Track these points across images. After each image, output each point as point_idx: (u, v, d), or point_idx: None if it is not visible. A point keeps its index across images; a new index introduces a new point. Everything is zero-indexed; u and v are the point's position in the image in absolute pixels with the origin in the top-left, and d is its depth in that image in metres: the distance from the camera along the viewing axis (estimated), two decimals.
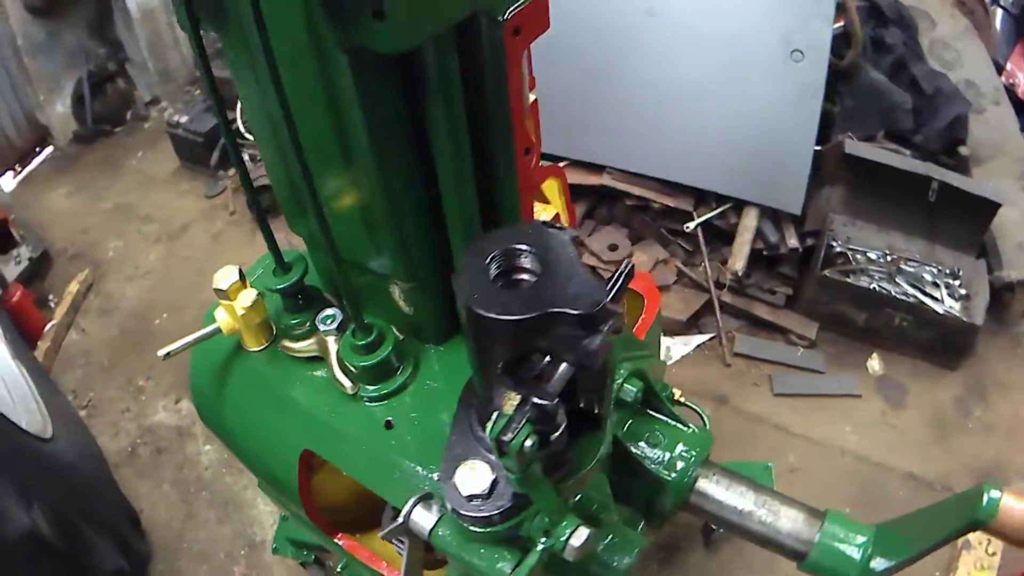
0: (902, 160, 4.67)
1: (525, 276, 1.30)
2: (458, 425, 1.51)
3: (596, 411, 1.39)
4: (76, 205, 6.71)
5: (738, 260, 4.58)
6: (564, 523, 1.34)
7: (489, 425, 1.18)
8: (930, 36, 5.65)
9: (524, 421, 1.20)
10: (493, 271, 1.29)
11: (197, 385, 2.32)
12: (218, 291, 2.02)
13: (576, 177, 4.98)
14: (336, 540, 2.27)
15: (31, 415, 4.14)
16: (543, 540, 1.36)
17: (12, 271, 5.82)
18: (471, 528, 1.39)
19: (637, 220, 5.00)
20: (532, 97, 1.83)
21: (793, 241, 4.59)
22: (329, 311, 2.01)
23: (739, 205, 4.75)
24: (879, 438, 4.41)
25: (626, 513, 2.15)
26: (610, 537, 1.71)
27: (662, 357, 4.54)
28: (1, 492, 2.95)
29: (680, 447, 2.05)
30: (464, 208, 1.67)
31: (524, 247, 1.29)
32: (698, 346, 4.76)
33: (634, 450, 2.02)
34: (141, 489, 4.73)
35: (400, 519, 1.53)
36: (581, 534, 1.33)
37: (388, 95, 1.47)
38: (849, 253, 4.59)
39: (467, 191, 1.65)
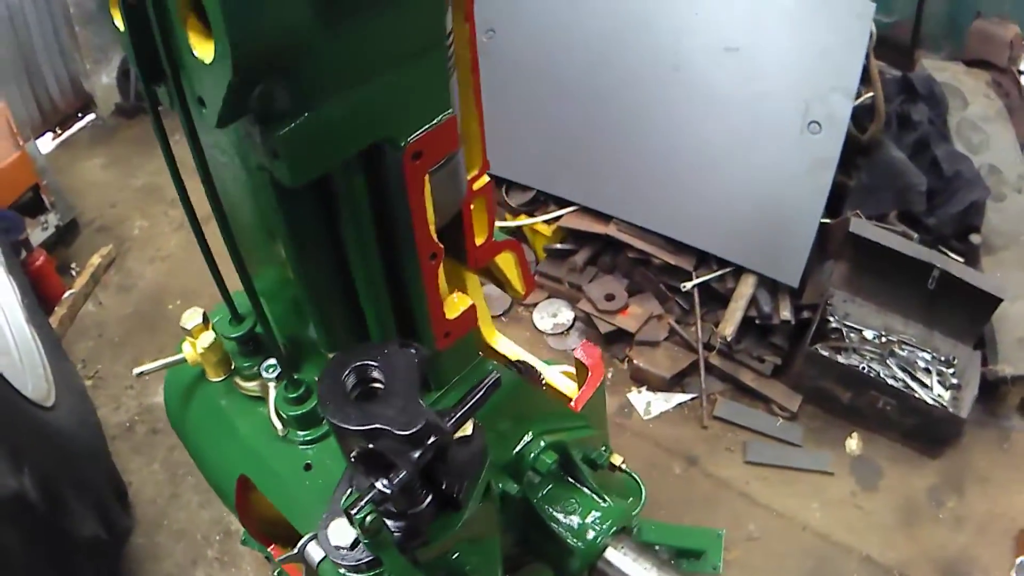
0: (906, 244, 4.76)
1: (377, 386, 1.56)
2: (343, 483, 1.78)
3: (456, 495, 1.63)
4: (109, 177, 7.02)
5: (729, 325, 4.70)
6: None
7: (343, 498, 1.45)
8: (960, 115, 5.70)
9: (366, 501, 1.48)
10: (350, 380, 1.55)
11: (168, 400, 2.66)
12: (183, 329, 2.35)
13: (584, 223, 5.16)
14: (269, 549, 2.59)
15: (37, 381, 4.36)
16: None
17: (38, 236, 6.06)
18: (344, 574, 1.68)
19: (638, 273, 5.14)
20: (485, 180, 2.08)
21: (786, 314, 4.72)
22: (272, 361, 2.31)
23: (739, 270, 4.88)
24: (844, 518, 4.47)
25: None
26: None
27: (641, 411, 4.83)
28: (3, 461, 3.17)
29: (592, 516, 2.28)
30: (376, 301, 1.93)
31: (373, 364, 1.55)
32: (679, 404, 4.91)
33: (545, 515, 2.28)
34: (132, 464, 5.03)
35: (295, 550, 1.82)
36: None
37: (305, 206, 1.72)
38: (844, 330, 4.72)
39: (377, 288, 1.90)
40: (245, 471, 2.34)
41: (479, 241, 2.17)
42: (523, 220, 5.41)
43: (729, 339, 4.72)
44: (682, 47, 5.09)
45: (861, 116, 5.12)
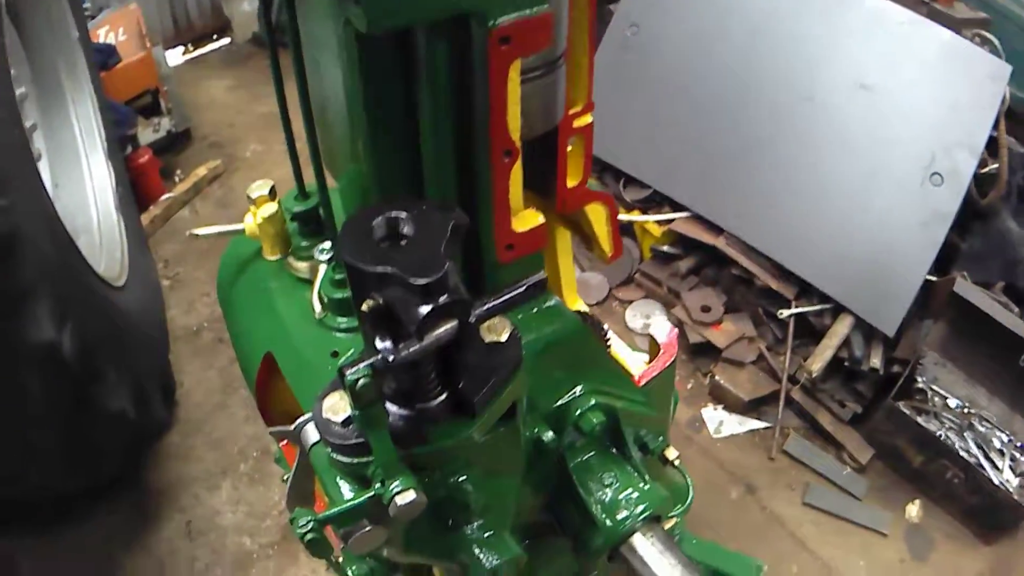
0: (1007, 317, 4.46)
1: (403, 241, 1.36)
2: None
3: (472, 399, 1.39)
4: (232, 100, 6.97)
5: (818, 361, 4.46)
6: (397, 480, 1.36)
7: (343, 357, 1.22)
8: None
9: (365, 364, 1.25)
10: (378, 228, 1.36)
11: (221, 271, 2.60)
12: (249, 198, 2.27)
13: (694, 231, 4.99)
14: (280, 444, 2.48)
15: (111, 262, 4.37)
16: (376, 487, 1.38)
17: (148, 136, 6.07)
18: (330, 452, 1.44)
19: (738, 291, 4.94)
20: (588, 120, 1.86)
21: (876, 361, 4.46)
22: (327, 244, 2.18)
23: (837, 309, 4.65)
24: None
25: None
26: (488, 534, 1.71)
27: (712, 429, 4.61)
28: (41, 303, 3.08)
29: (627, 494, 2.01)
30: (442, 192, 1.70)
31: (403, 215, 1.35)
32: (751, 430, 4.67)
33: (577, 480, 2.00)
34: (189, 366, 4.95)
35: (293, 427, 1.59)
36: (407, 496, 1.35)
37: (384, 69, 1.53)
38: (929, 392, 4.43)
39: (446, 176, 1.68)
40: (272, 349, 2.19)
41: (571, 183, 1.97)
42: (635, 216, 5.28)
43: (815, 376, 4.46)
44: (818, 77, 4.86)
45: (983, 181, 4.82)
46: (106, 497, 4.12)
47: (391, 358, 1.25)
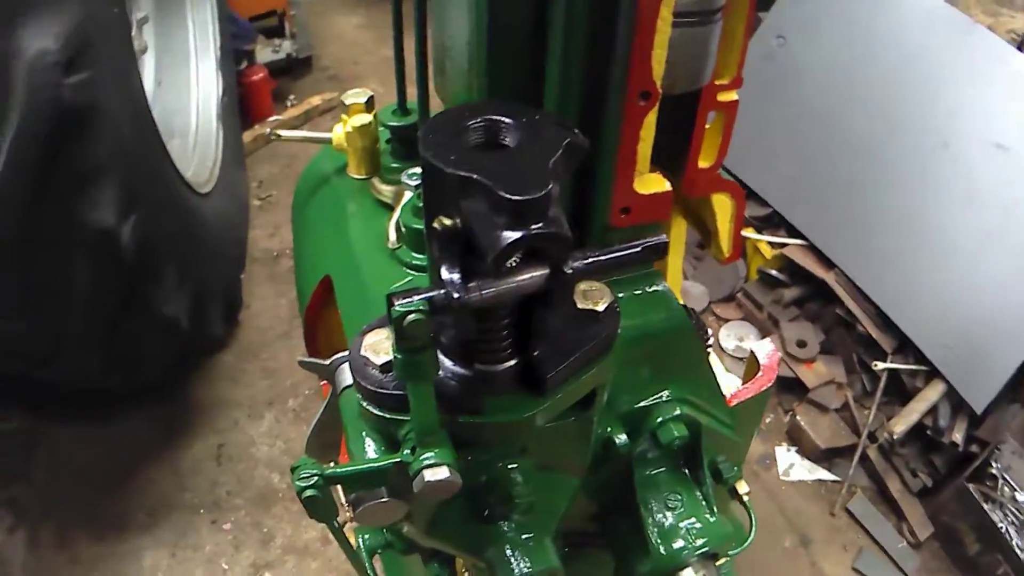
0: None
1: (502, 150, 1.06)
2: None
3: (544, 376, 1.09)
4: (360, 38, 6.79)
5: (901, 424, 4.16)
6: (431, 451, 1.07)
7: (393, 275, 0.94)
8: None
9: (422, 296, 0.96)
10: (473, 130, 1.05)
11: (301, 181, 2.39)
12: (342, 104, 2.05)
13: (806, 261, 4.76)
14: (321, 384, 2.16)
15: (200, 168, 4.25)
16: (404, 452, 1.09)
17: (266, 56, 5.91)
18: (360, 399, 1.16)
19: (837, 333, 4.67)
20: (733, 96, 1.63)
21: (958, 436, 4.14)
22: (419, 169, 1.84)
23: (931, 373, 4.34)
24: None
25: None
26: (527, 536, 1.40)
27: (781, 470, 4.35)
28: (108, 186, 2.91)
29: (689, 524, 1.72)
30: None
31: (508, 121, 1.05)
32: (819, 480, 4.38)
33: (639, 495, 1.70)
34: (261, 290, 4.76)
35: (328, 361, 1.33)
36: (439, 472, 1.06)
37: None
38: (1001, 480, 4.12)
39: (567, 109, 1.39)
40: (332, 273, 1.96)
41: (703, 164, 1.70)
42: (749, 232, 4.98)
43: (896, 437, 4.18)
44: (954, 126, 4.54)
45: None
46: (143, 401, 3.94)
47: (456, 295, 0.95)
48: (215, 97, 4.58)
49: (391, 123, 1.99)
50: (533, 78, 1.38)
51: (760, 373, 2.21)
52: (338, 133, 2.05)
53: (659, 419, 1.70)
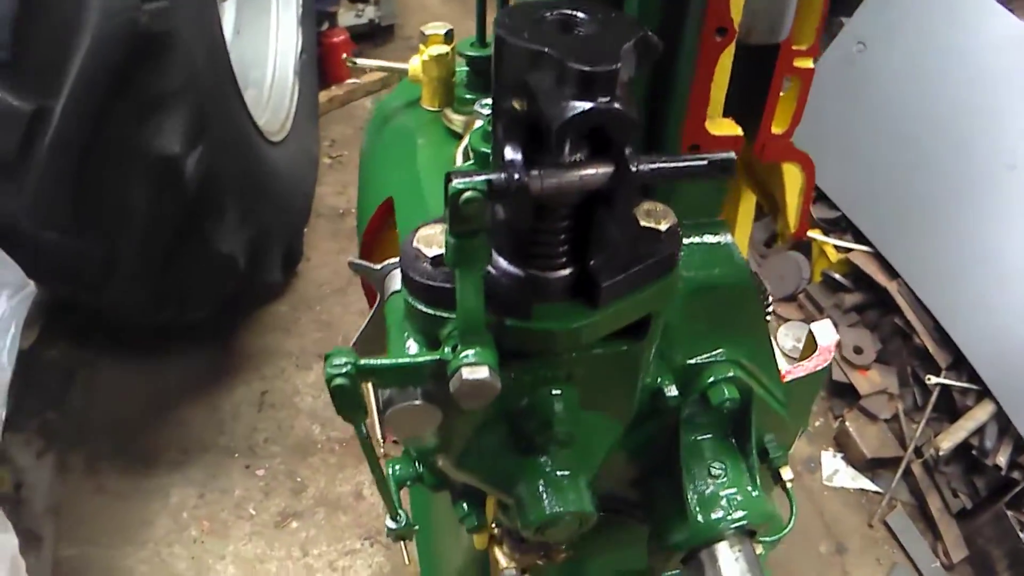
0: None
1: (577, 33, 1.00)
2: None
3: (600, 285, 1.02)
4: (445, 12, 6.76)
5: (948, 440, 4.10)
6: (472, 349, 0.99)
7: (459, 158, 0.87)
8: None
9: (482, 178, 0.88)
10: (547, 16, 1.00)
11: (376, 113, 2.38)
12: (421, 35, 1.99)
13: (870, 268, 4.70)
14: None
15: (272, 120, 4.25)
16: (445, 350, 1.02)
17: (348, 20, 5.91)
18: (406, 296, 1.09)
19: (895, 343, 4.60)
20: (810, 64, 1.53)
21: (1002, 460, 4.06)
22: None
23: (983, 393, 4.26)
24: None
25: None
26: (563, 473, 1.32)
27: (825, 475, 4.31)
28: (177, 114, 2.89)
29: (729, 494, 1.62)
30: None
31: (582, 15, 0.99)
32: (861, 489, 4.31)
33: (683, 458, 1.61)
34: (323, 245, 4.72)
35: (380, 266, 1.29)
36: (479, 371, 0.97)
37: None
38: None
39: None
40: (395, 194, 1.92)
41: (777, 130, 1.60)
42: (816, 234, 4.92)
43: (941, 454, 4.11)
44: (1022, 151, 4.44)
45: None
46: (191, 341, 3.92)
47: (517, 177, 0.88)
48: (293, 53, 4.58)
49: (468, 53, 1.96)
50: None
51: (817, 352, 2.12)
52: (414, 64, 2.01)
53: (711, 379, 1.60)
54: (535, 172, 0.88)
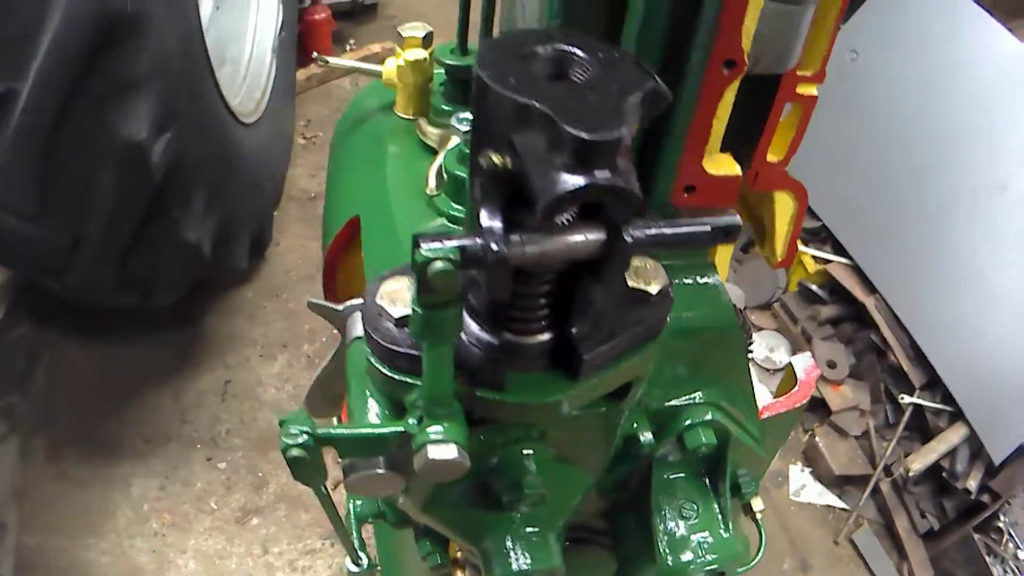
0: None
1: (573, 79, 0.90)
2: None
3: (582, 357, 0.96)
4: None
5: (918, 462, 4.09)
6: (440, 424, 0.93)
7: (427, 223, 0.80)
8: None
9: (456, 243, 0.80)
10: (539, 56, 0.89)
11: (345, 115, 2.26)
12: (398, 36, 1.92)
13: (848, 281, 4.69)
14: (335, 331, 2.02)
15: (247, 99, 4.18)
16: (410, 422, 0.96)
17: None
18: (369, 354, 1.02)
19: (868, 358, 4.58)
20: (813, 91, 1.50)
21: (972, 484, 4.06)
22: (469, 115, 1.71)
23: (955, 415, 4.27)
24: None
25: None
26: (532, 530, 1.27)
27: (792, 490, 4.30)
28: (145, 99, 2.80)
29: (701, 538, 1.59)
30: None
31: (581, 54, 0.88)
32: (828, 506, 4.30)
33: (653, 499, 1.56)
34: (293, 229, 4.65)
35: (341, 307, 1.22)
36: (445, 451, 0.92)
37: None
38: (1007, 535, 4.11)
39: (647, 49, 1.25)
40: (362, 213, 1.82)
41: (772, 158, 1.56)
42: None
43: (910, 475, 4.11)
44: (1015, 171, 4.41)
45: None
46: (154, 325, 3.85)
47: (495, 247, 0.80)
48: (273, 31, 4.48)
49: (448, 61, 1.86)
50: (610, 26, 1.25)
51: (796, 388, 2.08)
52: (389, 67, 1.92)
53: (688, 422, 1.56)
54: (516, 238, 0.80)
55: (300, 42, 5.02)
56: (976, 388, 4.20)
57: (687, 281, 1.50)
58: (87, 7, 2.49)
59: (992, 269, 4.30)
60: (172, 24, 2.91)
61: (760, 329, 4.87)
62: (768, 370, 4.70)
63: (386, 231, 1.70)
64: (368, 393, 1.06)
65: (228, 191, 3.52)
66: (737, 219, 0.95)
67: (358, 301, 1.13)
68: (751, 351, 1.92)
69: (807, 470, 4.39)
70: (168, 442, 3.65)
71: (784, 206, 1.70)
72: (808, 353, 2.14)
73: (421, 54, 1.87)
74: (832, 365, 4.50)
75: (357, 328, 1.11)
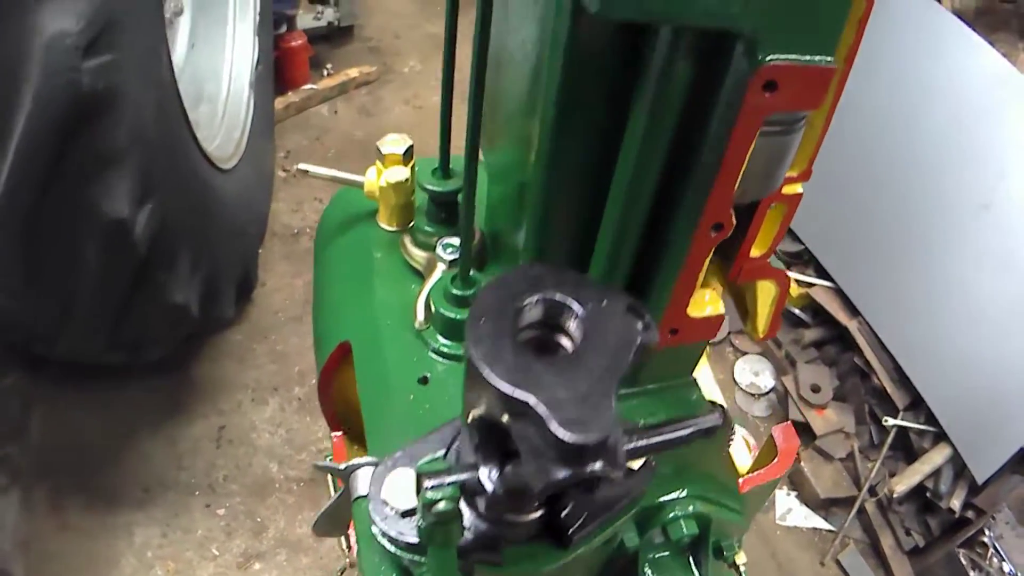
0: None
1: (564, 344, 0.96)
2: (443, 432, 1.16)
3: (569, 532, 1.05)
4: (408, 11, 6.63)
5: (902, 483, 4.15)
6: None
7: (424, 460, 0.89)
8: None
9: (452, 482, 0.90)
10: (529, 311, 0.96)
11: (325, 217, 2.21)
12: (378, 152, 1.85)
13: (831, 305, 4.71)
14: (332, 434, 2.03)
15: (226, 141, 4.12)
16: None
17: (307, 22, 5.76)
18: (377, 534, 1.09)
19: (852, 381, 4.62)
20: (798, 189, 1.52)
21: (956, 503, 4.11)
22: (454, 240, 1.73)
23: (939, 436, 4.32)
24: None
25: None
26: None
27: (778, 514, 4.34)
28: (124, 175, 2.80)
29: None
30: (617, 240, 1.33)
31: (574, 309, 0.94)
32: (814, 528, 4.35)
33: None
34: (278, 268, 4.65)
35: (343, 466, 1.25)
36: None
37: (596, 64, 1.17)
38: (990, 551, 4.14)
39: (629, 225, 1.31)
40: (352, 340, 1.80)
41: (755, 253, 1.60)
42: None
43: (894, 496, 4.17)
44: (999, 189, 4.43)
45: None
46: (146, 372, 3.87)
47: (491, 490, 0.90)
48: (250, 63, 4.46)
49: (430, 187, 1.81)
50: (600, 167, 1.31)
51: (776, 460, 2.16)
52: (371, 180, 1.88)
53: (672, 515, 1.66)
54: (508, 471, 0.89)
55: (277, 69, 5.00)
56: (959, 409, 4.24)
57: (669, 392, 1.59)
58: (59, 86, 2.48)
59: (975, 289, 4.33)
60: (147, 94, 2.90)
61: (744, 353, 4.90)
62: (753, 395, 4.74)
63: (378, 368, 1.70)
64: (377, 559, 1.15)
65: (213, 245, 3.53)
66: (717, 419, 1.05)
67: (359, 461, 1.22)
68: (732, 438, 2.02)
69: (792, 494, 4.43)
70: (167, 490, 3.70)
71: (765, 292, 1.75)
72: (789, 423, 2.22)
73: (403, 174, 1.83)
74: (816, 389, 4.53)
75: (362, 487, 1.20)
